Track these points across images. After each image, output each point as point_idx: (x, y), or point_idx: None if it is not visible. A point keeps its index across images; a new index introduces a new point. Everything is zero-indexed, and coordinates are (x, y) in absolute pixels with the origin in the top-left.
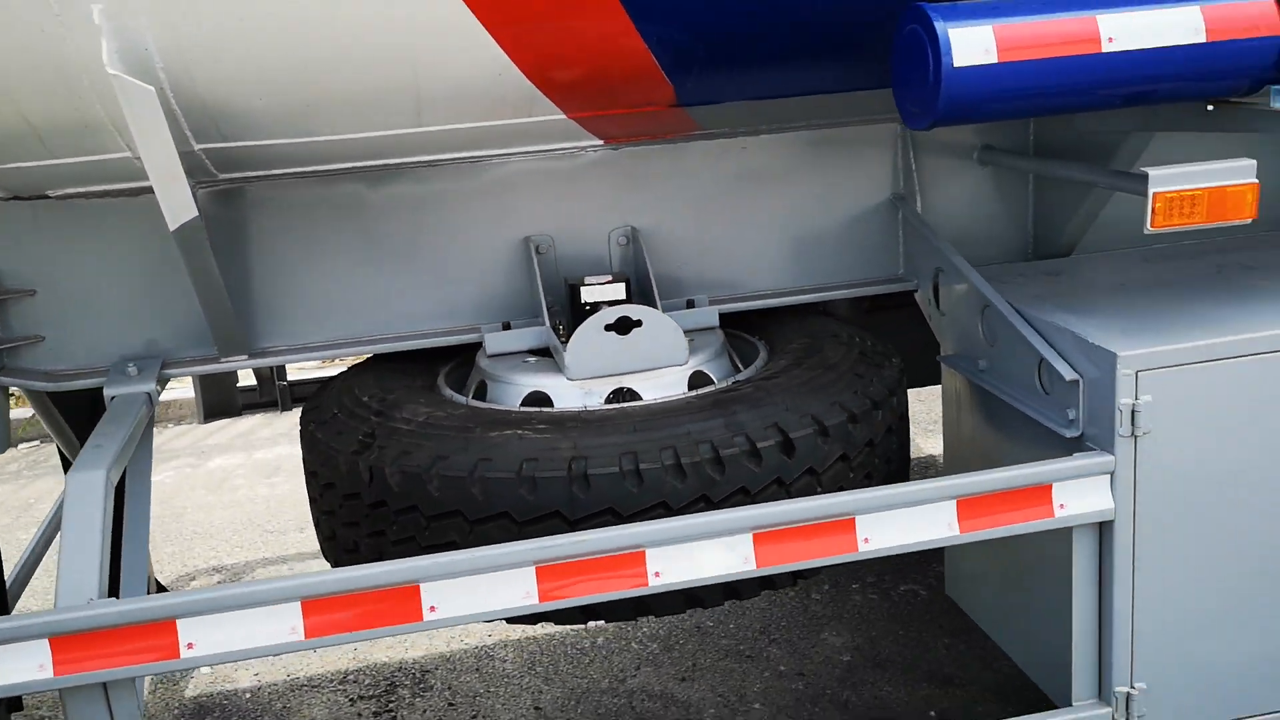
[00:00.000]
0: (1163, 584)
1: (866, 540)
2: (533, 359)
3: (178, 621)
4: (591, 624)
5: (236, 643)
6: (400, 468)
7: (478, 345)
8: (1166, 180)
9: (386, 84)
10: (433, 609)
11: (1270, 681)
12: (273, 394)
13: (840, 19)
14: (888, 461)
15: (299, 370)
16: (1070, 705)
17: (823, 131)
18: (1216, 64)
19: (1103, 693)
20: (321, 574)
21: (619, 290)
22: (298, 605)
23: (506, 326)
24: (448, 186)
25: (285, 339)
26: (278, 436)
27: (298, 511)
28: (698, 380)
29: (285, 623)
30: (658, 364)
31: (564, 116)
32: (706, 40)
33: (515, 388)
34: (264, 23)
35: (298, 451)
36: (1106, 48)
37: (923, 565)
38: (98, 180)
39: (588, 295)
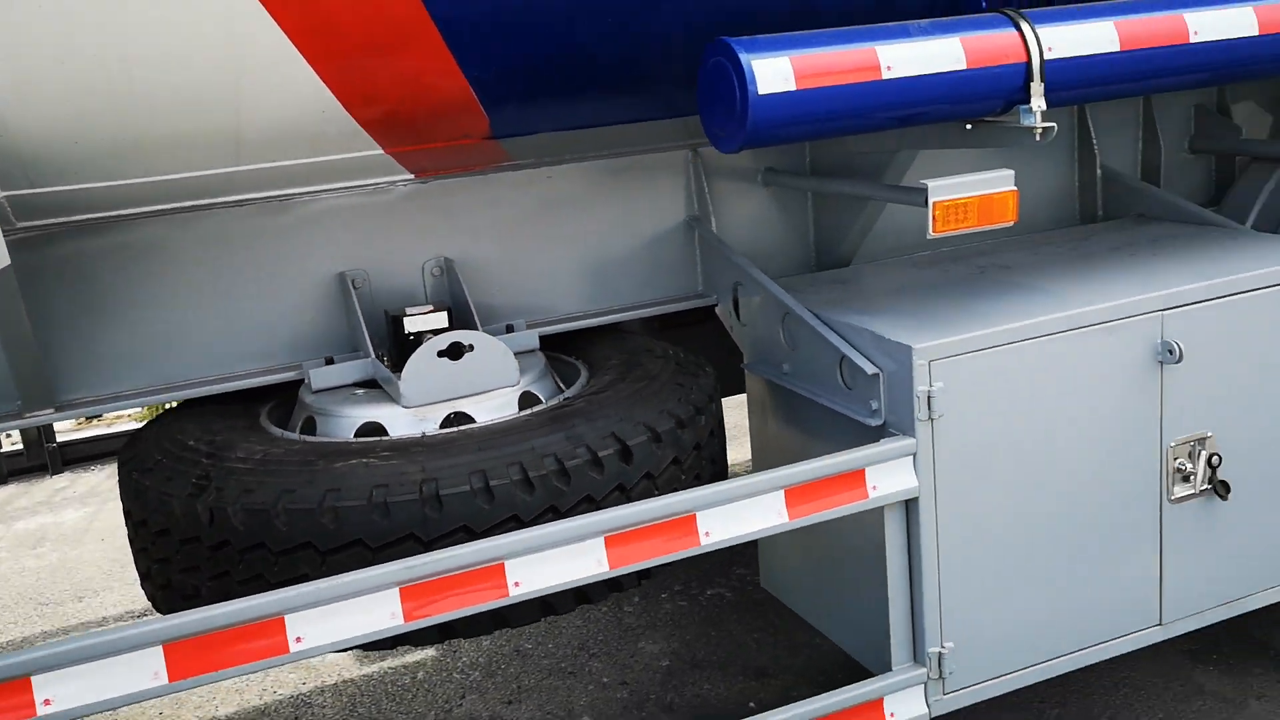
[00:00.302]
0: (963, 551)
1: (708, 534)
2: (360, 391)
3: (32, 678)
4: (410, 658)
5: (98, 694)
6: (243, 506)
7: (297, 382)
8: (943, 191)
9: (208, 123)
10: (299, 640)
11: (1057, 630)
12: (41, 457)
13: (644, 54)
14: (713, 462)
15: (73, 430)
16: (890, 670)
17: (622, 160)
18: (975, 88)
19: (917, 655)
20: (182, 615)
21: (441, 319)
22: (159, 649)
23: (330, 361)
24: (259, 224)
25: (95, 389)
26: (36, 505)
27: (73, 580)
28: (527, 400)
29: (148, 668)
30: (490, 386)
31: (382, 152)
32: (524, 75)
33: (347, 420)
34: (82, 63)
35: (60, 519)
36: (886, 75)
37: (726, 569)
38: None
39: (410, 325)
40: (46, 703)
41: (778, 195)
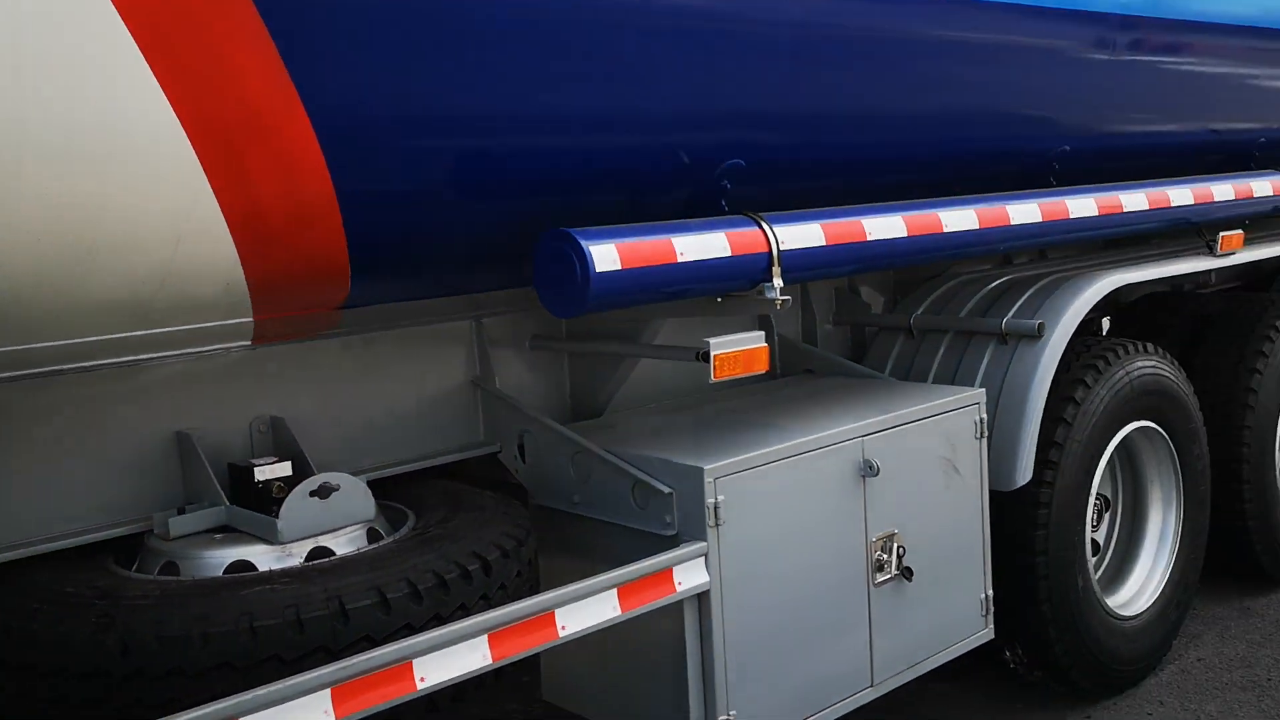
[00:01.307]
0: (743, 631)
1: (564, 628)
2: (218, 535)
3: None
4: None
5: None
6: (158, 634)
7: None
8: (720, 346)
9: (122, 293)
10: None
11: (824, 686)
12: None
13: (491, 239)
14: (533, 580)
15: None
16: None
17: (420, 328)
18: (737, 269)
19: None
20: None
21: (286, 468)
22: None
23: (181, 511)
24: (103, 390)
25: None
26: None
27: None
28: (373, 536)
29: None
30: (354, 520)
31: (250, 319)
32: (398, 254)
33: (215, 559)
34: None
35: None
36: (680, 259)
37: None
38: None
39: (261, 475)
40: None
41: (540, 357)
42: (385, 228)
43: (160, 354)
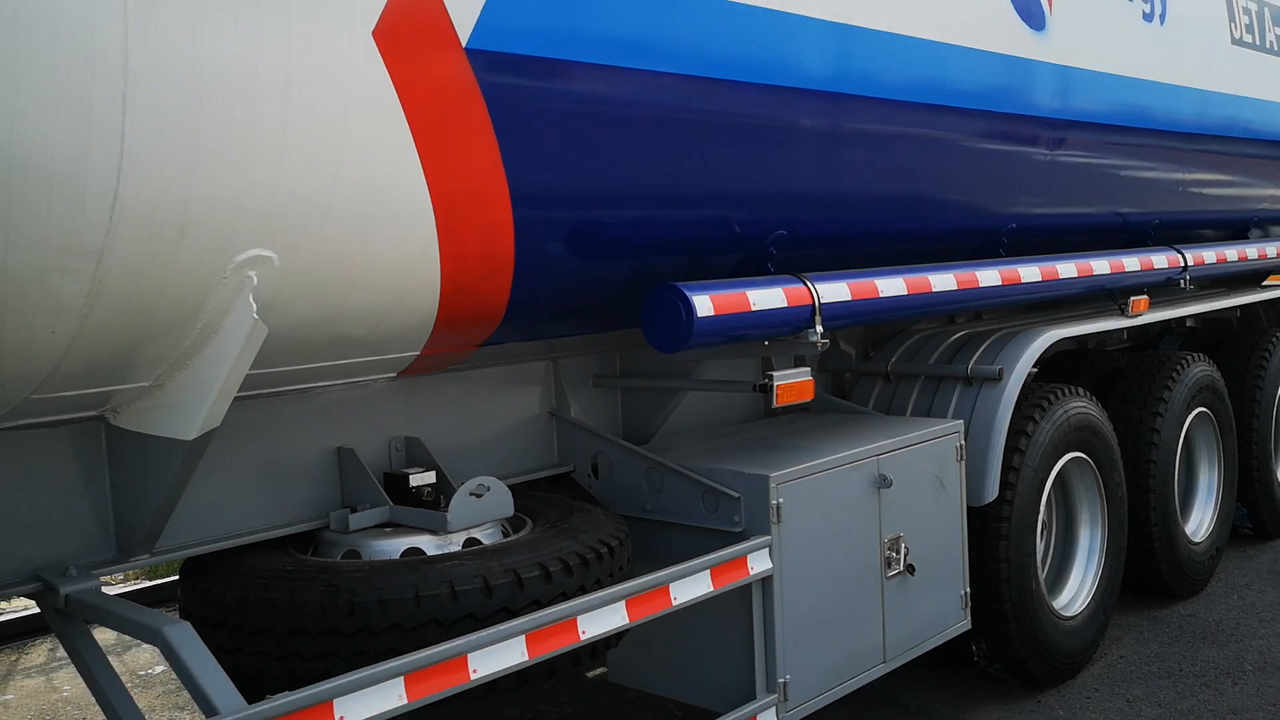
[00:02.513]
0: (795, 610)
1: (676, 599)
2: (386, 529)
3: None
4: None
5: None
6: (379, 598)
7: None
8: (783, 378)
9: (357, 327)
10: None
11: (850, 660)
12: None
13: (615, 290)
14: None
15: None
16: (755, 698)
17: (505, 367)
18: (790, 318)
19: (770, 686)
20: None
21: (433, 476)
22: None
23: (354, 510)
24: (280, 411)
25: (167, 541)
26: None
27: None
28: (505, 532)
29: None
30: (496, 517)
31: (417, 354)
32: (541, 303)
33: (391, 546)
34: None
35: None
36: (752, 308)
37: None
38: None
39: (414, 481)
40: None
41: (598, 393)
42: (538, 281)
43: (347, 380)
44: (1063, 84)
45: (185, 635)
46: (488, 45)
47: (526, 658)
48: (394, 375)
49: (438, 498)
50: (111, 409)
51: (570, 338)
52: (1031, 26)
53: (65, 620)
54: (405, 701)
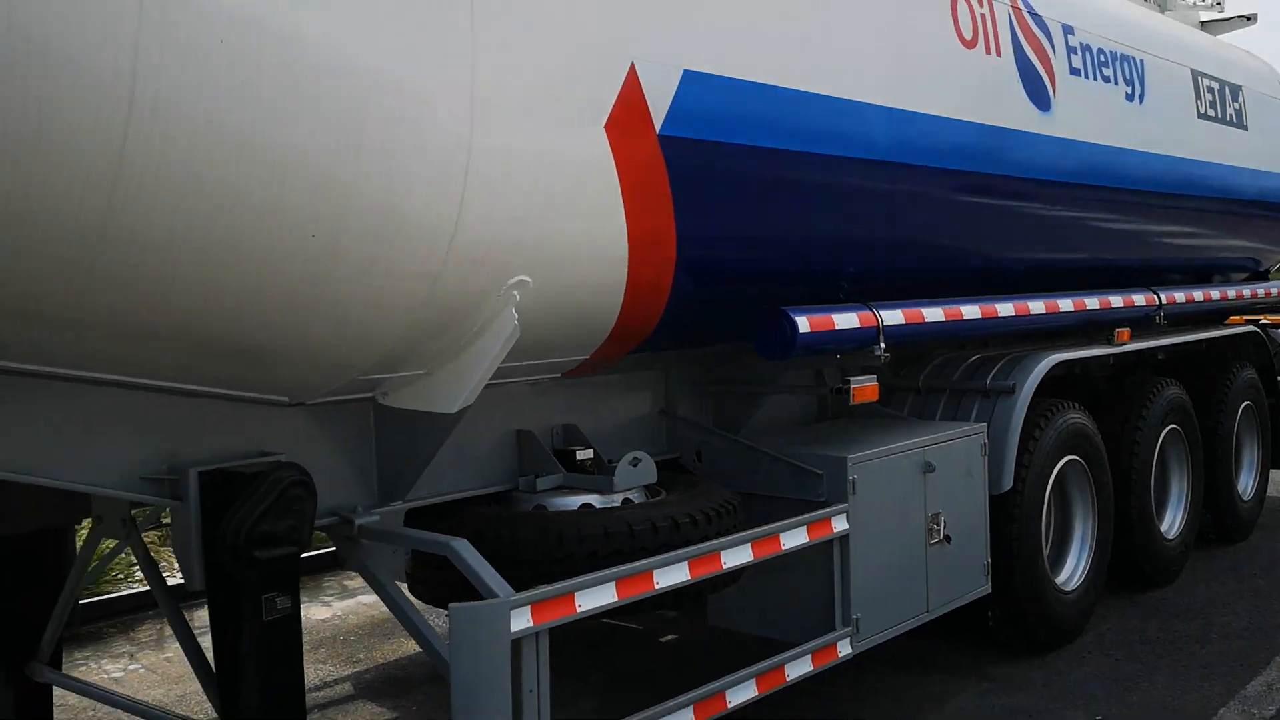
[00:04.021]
0: (863, 563)
1: (784, 545)
2: (563, 490)
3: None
4: None
5: None
6: (579, 534)
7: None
8: (858, 382)
9: (564, 331)
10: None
11: (902, 607)
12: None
13: (729, 313)
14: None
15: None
16: (835, 629)
17: (629, 374)
18: (861, 336)
19: (845, 621)
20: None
21: (591, 452)
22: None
23: (538, 476)
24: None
25: (417, 493)
26: None
27: None
28: (648, 495)
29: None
30: (644, 482)
31: (587, 358)
32: (680, 322)
33: (571, 502)
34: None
35: None
36: (836, 327)
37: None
38: None
39: (580, 455)
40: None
41: (695, 395)
42: (683, 305)
43: (534, 376)
44: (1063, 153)
45: (466, 546)
46: (671, 132)
47: (689, 577)
48: (559, 375)
49: (595, 469)
50: (382, 391)
51: (685, 350)
52: (1040, 109)
53: (355, 546)
54: (616, 599)
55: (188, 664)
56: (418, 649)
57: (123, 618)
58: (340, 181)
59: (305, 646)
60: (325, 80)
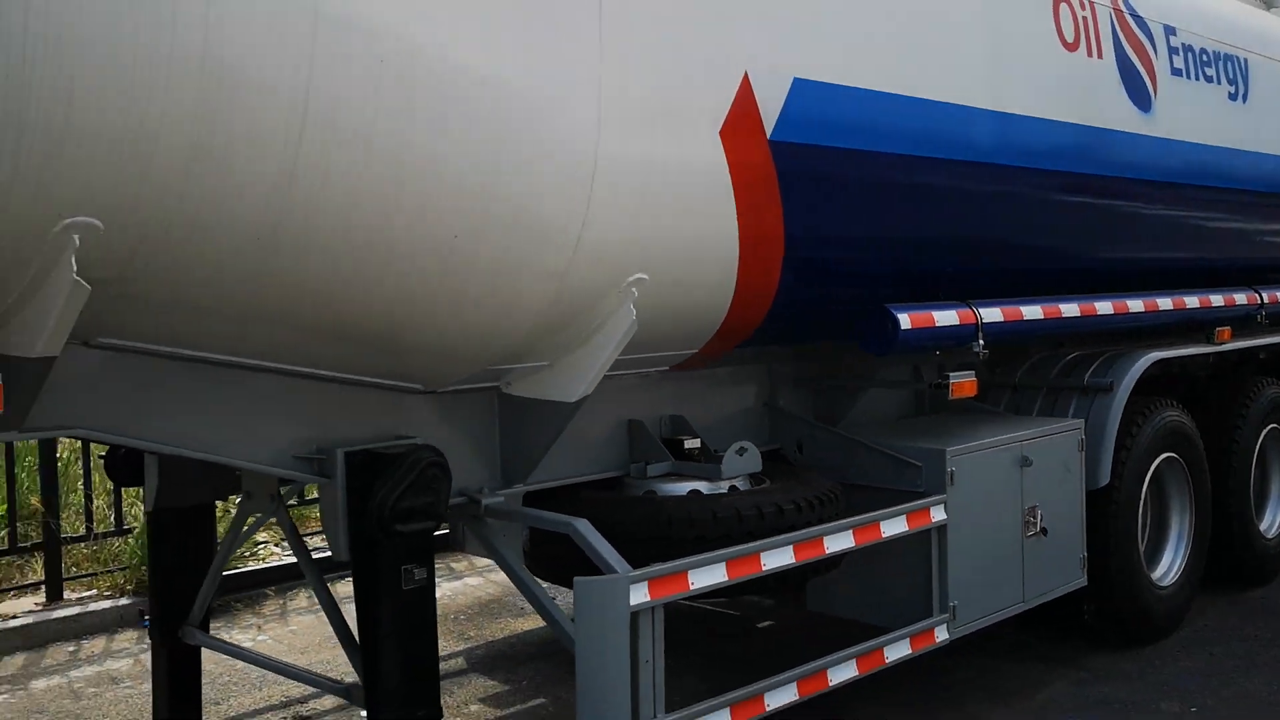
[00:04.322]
0: (960, 552)
1: (884, 533)
2: (671, 477)
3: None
4: None
5: None
6: (688, 516)
7: None
8: (956, 377)
9: (679, 327)
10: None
11: (999, 595)
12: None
13: (831, 311)
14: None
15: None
16: (932, 615)
17: (732, 368)
18: (960, 333)
19: (942, 608)
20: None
21: (698, 442)
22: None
23: (647, 464)
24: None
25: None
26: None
27: None
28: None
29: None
30: (749, 471)
31: (694, 352)
32: (783, 321)
33: (679, 488)
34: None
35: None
36: (936, 324)
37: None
38: None
39: (688, 445)
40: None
41: (796, 387)
42: (786, 303)
43: (643, 369)
44: (1164, 153)
45: (587, 525)
46: (781, 137)
47: (794, 560)
48: (667, 368)
49: (702, 457)
50: (506, 381)
51: (787, 346)
52: (1140, 109)
53: (481, 525)
54: (726, 578)
55: (311, 637)
56: (524, 629)
57: (248, 593)
58: (481, 187)
59: None
60: (471, 96)
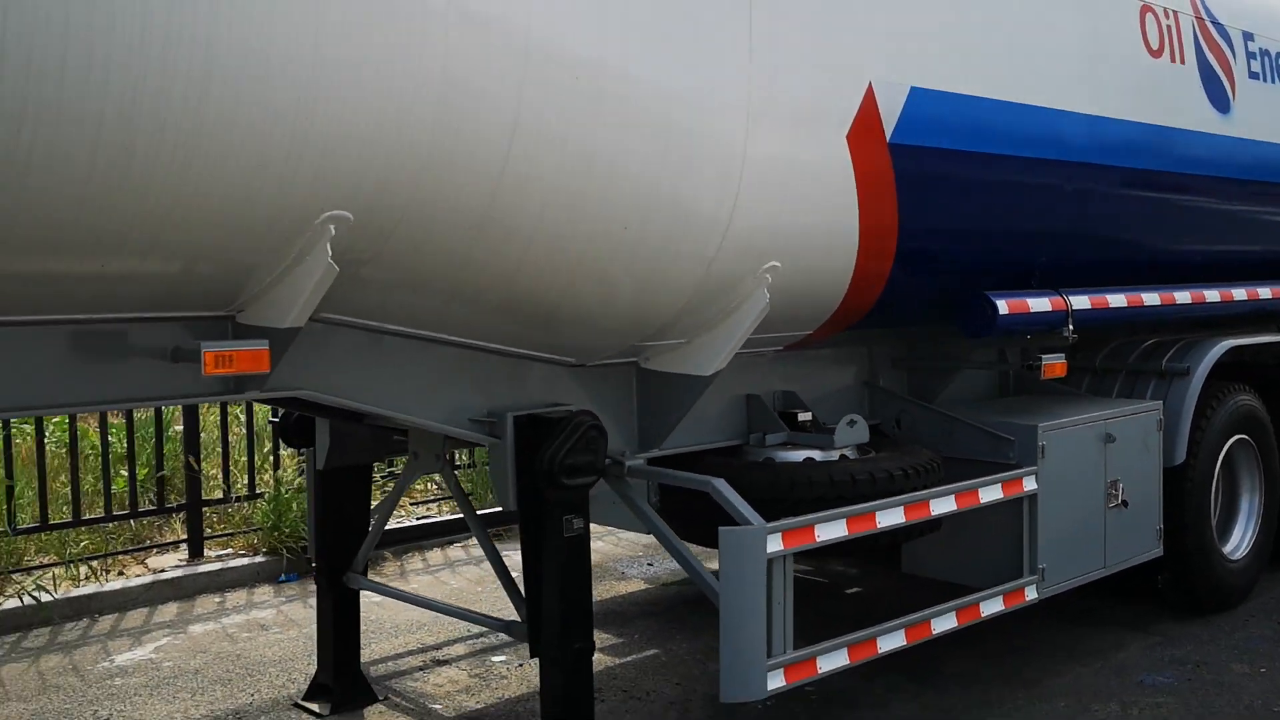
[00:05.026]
0: (1048, 519)
1: (982, 500)
2: (786, 446)
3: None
4: None
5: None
6: (808, 479)
7: None
8: (1049, 359)
9: (805, 309)
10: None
11: (1082, 560)
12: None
13: (931, 298)
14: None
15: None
16: (1022, 576)
17: (836, 349)
18: (1052, 319)
19: (1032, 569)
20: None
21: (809, 415)
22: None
23: (764, 434)
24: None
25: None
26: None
27: None
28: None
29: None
30: (863, 440)
31: (808, 334)
32: (889, 306)
33: (796, 455)
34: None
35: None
36: (1030, 310)
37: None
38: None
39: (801, 417)
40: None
41: (893, 367)
42: (896, 291)
43: (759, 349)
44: (1241, 152)
45: (724, 484)
46: (898, 140)
47: (904, 520)
48: (780, 348)
49: (813, 429)
50: (644, 357)
51: (888, 330)
52: (1219, 111)
53: (624, 485)
54: (846, 533)
55: (455, 587)
56: (627, 591)
57: (393, 547)
58: (649, 182)
59: None
60: (646, 105)
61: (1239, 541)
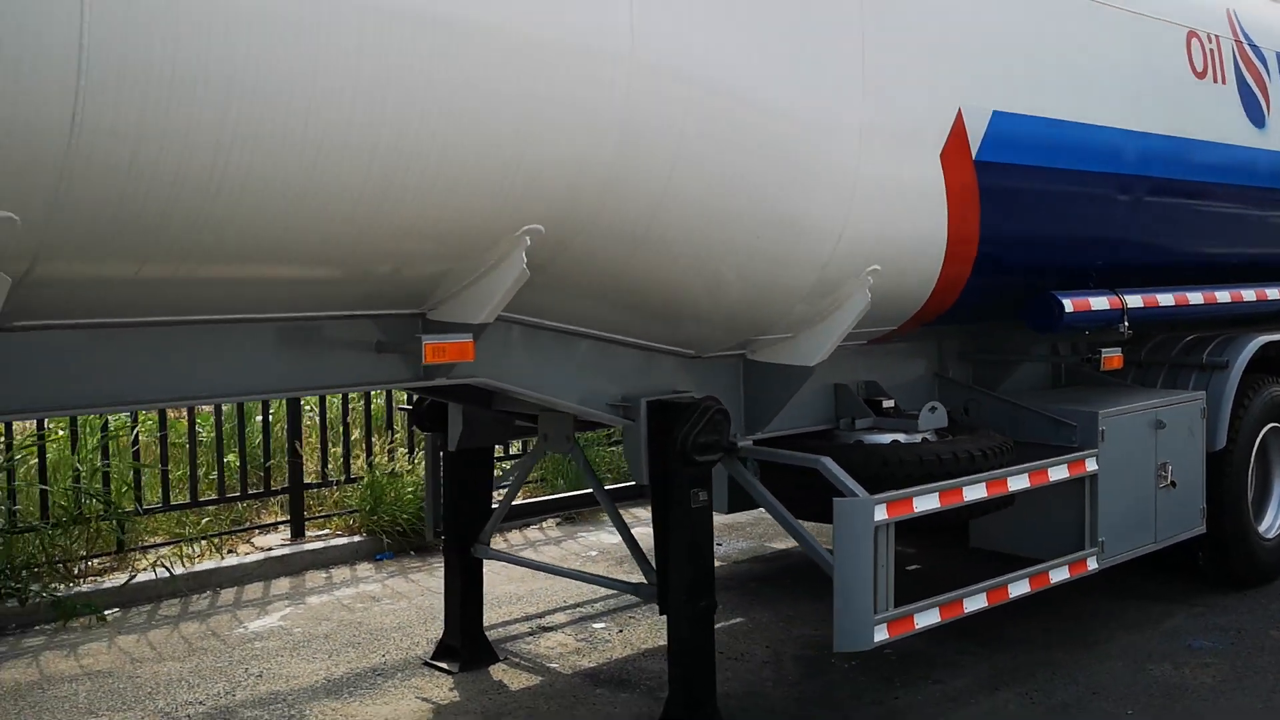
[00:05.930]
0: (1107, 497)
1: (1051, 479)
2: (873, 430)
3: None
4: None
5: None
6: (900, 459)
7: None
8: (1107, 352)
9: (891, 310)
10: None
11: (1135, 535)
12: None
13: (1002, 298)
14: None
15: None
16: (1084, 549)
17: (907, 344)
18: (1109, 316)
19: (1092, 542)
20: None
21: (893, 401)
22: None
23: (852, 420)
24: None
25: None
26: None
27: None
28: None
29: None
30: (937, 426)
31: (892, 329)
32: (966, 305)
33: (883, 439)
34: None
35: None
36: (1091, 308)
37: None
38: None
39: (885, 404)
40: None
41: (960, 359)
42: (973, 292)
43: (850, 343)
44: (1276, 163)
45: (831, 462)
46: (982, 158)
47: (985, 495)
48: (865, 342)
49: (896, 414)
50: (751, 349)
51: (960, 326)
52: (1256, 126)
53: (734, 464)
54: (938, 505)
55: (565, 555)
56: None
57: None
58: (774, 197)
59: (609, 561)
60: (774, 129)
61: (1273, 521)
